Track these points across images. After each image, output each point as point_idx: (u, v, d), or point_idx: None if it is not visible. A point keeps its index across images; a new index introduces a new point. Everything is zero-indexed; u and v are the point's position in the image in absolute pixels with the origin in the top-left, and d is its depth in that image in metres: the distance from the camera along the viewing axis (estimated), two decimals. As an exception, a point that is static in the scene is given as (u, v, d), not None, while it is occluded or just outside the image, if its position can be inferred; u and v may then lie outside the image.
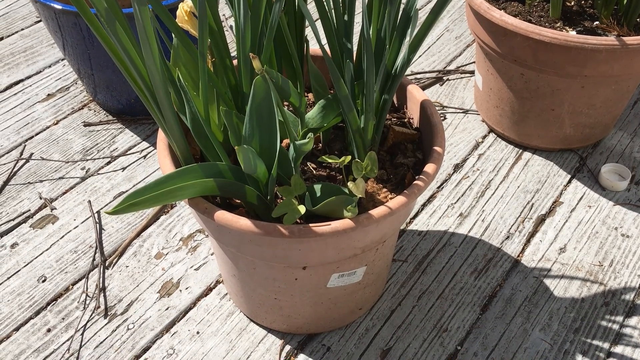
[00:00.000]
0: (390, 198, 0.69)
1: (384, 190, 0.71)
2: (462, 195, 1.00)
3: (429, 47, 1.30)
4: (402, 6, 0.64)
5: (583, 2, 1.00)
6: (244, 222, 0.61)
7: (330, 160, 0.64)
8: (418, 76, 1.23)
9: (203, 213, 0.63)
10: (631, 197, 1.00)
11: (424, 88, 1.21)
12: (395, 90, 0.68)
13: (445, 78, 1.23)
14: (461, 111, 1.16)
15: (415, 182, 0.66)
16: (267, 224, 0.61)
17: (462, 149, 1.09)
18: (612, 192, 1.00)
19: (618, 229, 0.95)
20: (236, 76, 0.68)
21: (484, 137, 1.11)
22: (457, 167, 1.05)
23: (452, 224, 0.96)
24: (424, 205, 0.99)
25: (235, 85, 0.68)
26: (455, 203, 0.99)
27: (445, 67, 1.26)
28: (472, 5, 0.95)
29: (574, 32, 0.93)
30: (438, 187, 1.02)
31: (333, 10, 0.65)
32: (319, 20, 1.16)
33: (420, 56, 1.28)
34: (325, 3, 0.66)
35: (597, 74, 0.91)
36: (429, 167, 0.68)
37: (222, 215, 0.62)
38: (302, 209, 0.62)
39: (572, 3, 1.00)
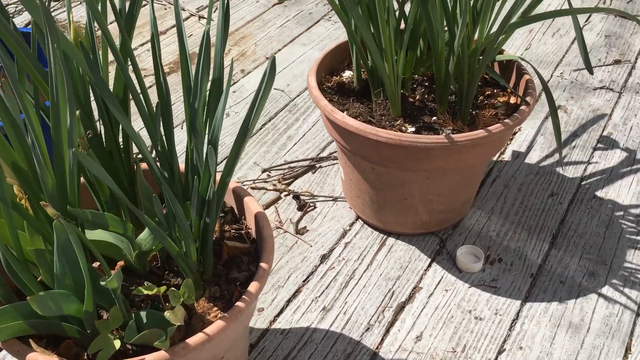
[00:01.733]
0: (220, 317, 0.70)
1: (215, 309, 0.72)
2: (327, 288, 1.03)
3: (304, 135, 1.35)
4: (206, 138, 0.67)
5: (426, 96, 1.06)
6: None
7: (145, 291, 0.65)
8: (292, 165, 1.27)
9: (16, 356, 0.62)
10: (485, 277, 1.04)
11: (297, 177, 1.25)
12: (216, 214, 0.71)
13: (317, 165, 1.27)
14: (331, 199, 1.20)
15: (236, 303, 0.68)
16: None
17: (330, 239, 1.12)
18: (468, 274, 1.05)
19: (472, 312, 0.99)
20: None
21: (352, 224, 1.15)
22: (324, 258, 1.08)
23: (314, 319, 0.98)
24: (288, 302, 1.01)
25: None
26: (319, 297, 1.01)
27: (318, 154, 1.30)
28: (318, 106, 0.99)
29: (412, 129, 0.98)
30: (304, 281, 1.04)
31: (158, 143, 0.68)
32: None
33: (295, 144, 1.32)
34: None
35: (435, 168, 0.97)
36: (252, 286, 0.69)
37: (33, 358, 0.62)
38: (117, 344, 0.62)
39: (417, 97, 1.06)
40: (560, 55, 1.57)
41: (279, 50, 1.62)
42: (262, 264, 0.72)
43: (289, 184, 1.23)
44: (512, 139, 1.32)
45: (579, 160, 1.27)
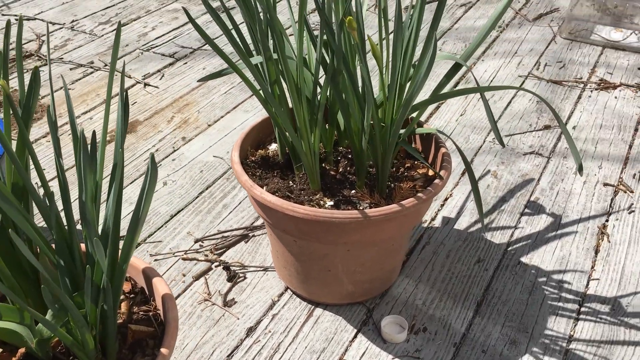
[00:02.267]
0: (119, 405, 0.70)
1: (114, 396, 0.71)
2: (251, 362, 1.02)
3: (240, 203, 1.36)
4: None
5: (348, 168, 1.09)
6: None
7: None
8: (225, 234, 1.28)
9: None
10: (409, 348, 1.05)
11: (229, 246, 1.25)
12: (114, 301, 0.71)
13: (251, 235, 1.28)
14: (262, 269, 1.20)
15: (132, 392, 0.67)
16: None
17: (258, 310, 1.12)
18: (392, 345, 1.06)
19: (393, 385, 0.99)
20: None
21: (280, 295, 1.15)
22: (250, 331, 1.08)
23: (235, 395, 0.97)
24: (210, 378, 1.00)
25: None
26: (242, 372, 1.01)
27: (252, 223, 1.31)
28: (239, 181, 1.01)
29: (331, 203, 1.01)
30: (228, 356, 1.04)
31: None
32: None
33: (230, 212, 1.34)
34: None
35: (353, 241, 0.98)
36: (149, 373, 0.69)
37: None
38: None
39: (340, 170, 1.09)
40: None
41: (222, 117, 1.66)
42: (162, 349, 0.72)
43: (220, 254, 1.24)
44: (443, 205, 1.35)
45: (506, 225, 1.30)
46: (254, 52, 1.01)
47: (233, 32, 0.93)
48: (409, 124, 1.07)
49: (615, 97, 1.71)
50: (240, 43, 0.96)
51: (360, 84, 0.94)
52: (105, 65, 1.86)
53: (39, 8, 2.20)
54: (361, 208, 0.99)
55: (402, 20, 0.89)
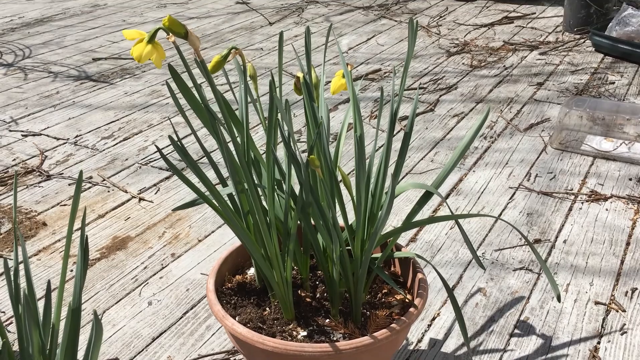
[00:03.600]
0: None
1: None
2: None
3: (224, 324, 1.34)
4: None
5: (325, 294, 1.08)
6: None
7: None
8: (206, 358, 1.25)
9: None
10: None
11: None
12: None
13: (232, 359, 1.25)
14: (240, 397, 1.17)
15: None
16: None
17: None
18: None
19: None
20: None
21: None
22: None
23: None
24: None
25: None
26: None
27: (233, 347, 1.29)
28: (212, 311, 1.00)
29: (304, 334, 0.99)
30: None
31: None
32: None
33: (213, 334, 1.31)
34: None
35: (327, 374, 0.96)
36: None
37: None
38: None
39: (317, 296, 1.08)
40: (483, 235, 1.62)
41: (212, 232, 1.67)
42: None
43: (199, 381, 1.20)
44: (430, 325, 1.32)
45: (494, 347, 1.26)
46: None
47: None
48: (385, 248, 1.07)
49: (607, 209, 1.71)
50: (215, 171, 0.99)
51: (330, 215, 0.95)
52: (103, 180, 1.90)
53: (46, 123, 2.29)
54: (334, 339, 0.98)
55: (367, 155, 0.91)
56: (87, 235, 0.76)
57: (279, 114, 0.87)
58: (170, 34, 0.83)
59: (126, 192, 1.85)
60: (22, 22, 3.58)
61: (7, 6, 3.96)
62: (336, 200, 0.97)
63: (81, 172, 0.86)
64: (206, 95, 2.15)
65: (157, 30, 0.85)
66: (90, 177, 1.93)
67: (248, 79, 1.00)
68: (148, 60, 0.87)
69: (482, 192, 1.81)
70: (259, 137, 2.18)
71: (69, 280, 1.46)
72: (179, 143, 0.90)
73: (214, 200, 0.95)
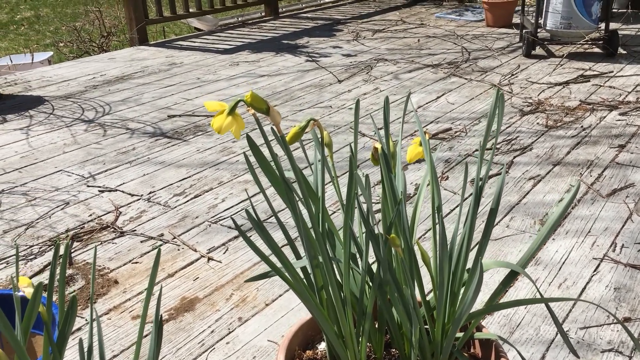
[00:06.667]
0: None
1: None
2: None
3: None
4: None
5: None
6: None
7: None
8: None
9: None
10: None
11: None
12: None
13: None
14: None
15: None
16: None
17: None
18: None
19: None
20: None
21: None
22: None
23: None
24: None
25: None
26: None
27: None
28: None
29: (379, 420, 0.93)
30: None
31: None
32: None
33: None
34: None
35: None
36: None
37: None
38: None
39: (391, 377, 1.02)
40: (567, 310, 1.52)
41: (280, 295, 1.64)
42: None
43: None
44: (511, 411, 1.23)
45: None
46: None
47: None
48: (467, 330, 1.00)
49: None
50: (290, 244, 0.96)
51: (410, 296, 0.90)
52: (174, 238, 1.92)
53: (122, 179, 2.36)
54: None
55: (449, 233, 0.87)
56: (162, 316, 0.74)
57: (359, 189, 0.84)
58: (251, 108, 0.83)
59: (196, 251, 1.85)
60: (104, 80, 3.77)
61: (92, 65, 4.19)
62: (414, 279, 0.92)
63: (159, 251, 0.85)
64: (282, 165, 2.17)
65: (237, 102, 0.85)
66: (162, 235, 1.95)
67: (326, 153, 0.98)
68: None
69: (564, 263, 1.70)
70: (334, 210, 2.16)
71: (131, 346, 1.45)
72: (257, 219, 0.88)
73: (287, 274, 0.92)
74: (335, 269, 0.97)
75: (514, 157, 2.43)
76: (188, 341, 1.47)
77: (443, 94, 3.28)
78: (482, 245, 0.87)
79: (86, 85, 3.65)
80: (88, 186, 2.30)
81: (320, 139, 0.95)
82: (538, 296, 1.56)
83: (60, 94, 3.48)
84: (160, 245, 1.90)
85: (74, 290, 1.67)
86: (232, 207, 2.13)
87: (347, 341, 0.92)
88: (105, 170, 2.44)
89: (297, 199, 0.92)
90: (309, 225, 0.91)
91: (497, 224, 1.94)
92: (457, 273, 0.95)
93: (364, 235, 0.92)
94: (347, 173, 0.88)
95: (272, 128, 0.91)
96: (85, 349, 0.81)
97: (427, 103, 3.15)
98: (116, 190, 2.27)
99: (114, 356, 1.42)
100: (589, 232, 1.86)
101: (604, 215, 1.95)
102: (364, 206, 0.94)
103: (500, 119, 0.88)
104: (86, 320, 1.55)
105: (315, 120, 0.94)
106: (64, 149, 2.67)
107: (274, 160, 0.93)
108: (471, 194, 2.07)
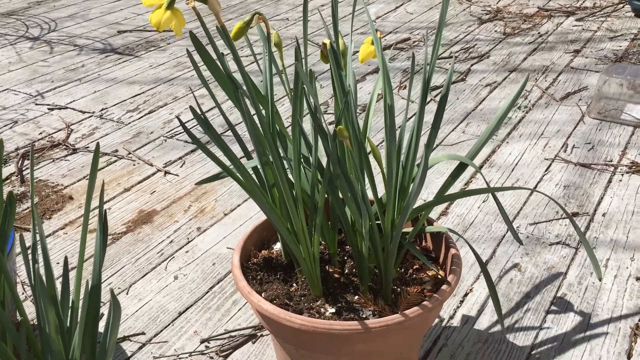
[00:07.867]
0: None
1: None
2: None
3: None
4: None
5: (354, 270, 1.04)
6: None
7: None
8: (233, 333, 1.23)
9: None
10: None
11: (236, 347, 1.20)
12: None
13: (259, 334, 1.23)
14: (268, 373, 1.15)
15: None
16: None
17: (260, 421, 1.06)
18: None
19: None
20: None
21: (286, 403, 1.09)
22: None
23: None
24: None
25: None
26: None
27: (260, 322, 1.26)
28: (237, 288, 0.98)
29: (332, 310, 0.96)
30: None
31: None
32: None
33: (239, 309, 1.29)
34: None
35: (357, 352, 0.93)
36: None
37: None
38: None
39: (346, 272, 1.04)
40: (517, 208, 1.56)
41: (238, 205, 1.64)
42: None
43: (226, 356, 1.19)
44: (462, 301, 1.28)
45: (530, 325, 1.22)
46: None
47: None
48: (417, 223, 1.03)
49: (648, 181, 1.63)
50: (240, 143, 0.95)
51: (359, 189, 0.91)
52: (129, 153, 1.89)
53: (72, 97, 2.28)
54: (364, 317, 0.94)
55: (396, 125, 0.87)
56: (106, 210, 0.73)
57: (305, 85, 0.82)
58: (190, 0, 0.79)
59: (152, 165, 1.83)
60: (48, -4, 3.57)
61: (33, -20, 3.95)
62: (365, 173, 0.93)
63: (98, 145, 0.83)
64: (230, 66, 2.11)
65: (176, -6, 0.81)
66: (116, 151, 1.91)
67: (273, 47, 0.95)
68: (169, 28, 0.83)
69: (517, 165, 1.74)
70: (285, 109, 2.13)
71: (89, 259, 1.45)
72: (202, 116, 0.86)
73: (238, 174, 0.92)
74: (287, 168, 0.96)
75: (471, 65, 2.42)
76: (147, 251, 1.48)
77: (402, 4, 3.21)
78: (431, 136, 0.88)
79: (29, 2, 3.45)
80: (37, 104, 2.22)
81: (266, 35, 0.93)
82: (491, 199, 1.60)
83: (1, 11, 3.30)
84: (115, 161, 1.86)
85: (27, 208, 1.64)
86: (187, 121, 2.09)
87: (300, 237, 0.93)
88: (54, 88, 2.35)
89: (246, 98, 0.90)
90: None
91: (453, 130, 1.96)
92: (406, 167, 0.95)
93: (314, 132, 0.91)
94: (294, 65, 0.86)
95: (216, 27, 0.88)
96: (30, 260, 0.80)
97: (385, 13, 3.09)
98: (66, 107, 2.20)
99: (72, 268, 1.42)
100: (542, 134, 1.89)
101: (557, 118, 1.99)
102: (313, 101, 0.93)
103: (444, 11, 0.86)
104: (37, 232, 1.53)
105: (260, 14, 0.90)
106: (8, 68, 2.55)
107: (219, 59, 0.90)
108: (430, 101, 2.04)
